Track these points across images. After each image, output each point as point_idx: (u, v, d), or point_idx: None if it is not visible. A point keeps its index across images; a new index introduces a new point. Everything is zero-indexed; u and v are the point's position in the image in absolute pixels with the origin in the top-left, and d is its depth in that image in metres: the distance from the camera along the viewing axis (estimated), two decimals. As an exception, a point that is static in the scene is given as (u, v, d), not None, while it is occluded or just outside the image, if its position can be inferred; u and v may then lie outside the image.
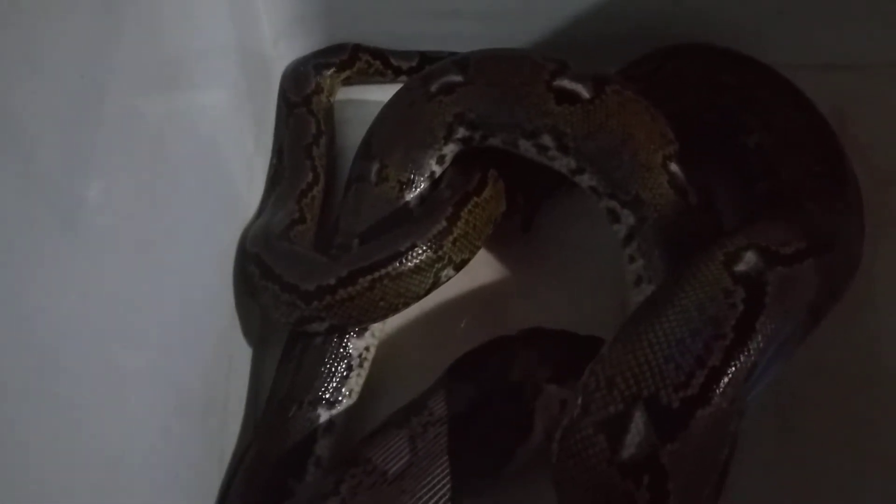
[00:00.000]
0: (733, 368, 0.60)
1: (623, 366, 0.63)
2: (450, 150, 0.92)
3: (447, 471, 0.74)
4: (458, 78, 0.89)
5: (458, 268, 0.87)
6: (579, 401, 0.64)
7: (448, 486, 0.73)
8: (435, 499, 0.73)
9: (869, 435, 0.84)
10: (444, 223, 0.85)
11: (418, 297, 0.85)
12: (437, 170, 0.92)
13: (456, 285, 0.92)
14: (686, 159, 0.82)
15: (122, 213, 0.63)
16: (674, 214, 0.81)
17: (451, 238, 0.85)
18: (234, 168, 0.90)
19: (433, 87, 0.89)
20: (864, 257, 0.81)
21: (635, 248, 0.83)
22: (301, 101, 1.02)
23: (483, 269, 0.95)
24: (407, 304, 0.85)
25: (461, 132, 0.90)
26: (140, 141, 0.67)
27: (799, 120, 0.88)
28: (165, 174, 0.71)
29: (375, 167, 0.91)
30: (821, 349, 0.83)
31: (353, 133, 0.98)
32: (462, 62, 0.90)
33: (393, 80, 1.08)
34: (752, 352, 0.62)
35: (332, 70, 1.06)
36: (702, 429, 0.59)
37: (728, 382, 0.60)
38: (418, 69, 1.06)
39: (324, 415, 0.84)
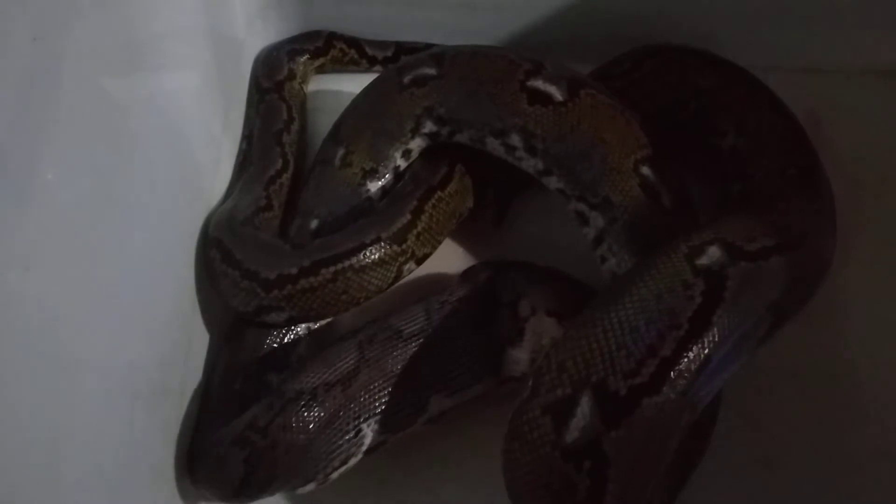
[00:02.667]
0: (685, 360, 0.61)
1: (575, 350, 0.63)
2: (416, 144, 0.93)
3: (454, 345, 0.81)
4: (431, 71, 0.90)
5: (419, 262, 0.88)
6: (530, 383, 0.65)
7: (455, 358, 0.81)
8: (442, 366, 0.81)
9: (835, 436, 0.85)
10: (408, 216, 0.86)
11: (380, 291, 0.86)
12: (402, 164, 0.94)
13: (426, 278, 0.93)
14: (660, 162, 0.83)
15: (80, 189, 0.64)
16: (645, 216, 0.82)
17: (414, 231, 0.86)
18: (200, 151, 0.91)
19: (406, 79, 0.90)
20: (835, 261, 0.82)
21: (606, 248, 0.84)
22: (273, 87, 1.03)
23: (455, 263, 0.96)
24: (368, 298, 0.85)
25: (428, 126, 0.91)
26: (102, 118, 0.68)
27: (772, 123, 0.90)
28: (127, 153, 0.72)
29: (340, 152, 0.93)
30: (790, 351, 0.87)
31: (325, 122, 0.99)
32: (438, 56, 0.91)
33: (367, 70, 1.09)
34: (706, 345, 0.62)
35: (305, 57, 1.07)
36: (648, 418, 0.60)
37: (679, 373, 0.61)
38: (393, 59, 1.08)
39: (275, 380, 0.85)
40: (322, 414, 0.75)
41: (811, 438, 0.85)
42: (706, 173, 0.92)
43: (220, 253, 0.85)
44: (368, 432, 0.78)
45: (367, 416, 0.77)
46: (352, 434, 0.77)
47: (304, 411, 0.75)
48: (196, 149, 0.90)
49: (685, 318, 0.63)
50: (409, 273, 0.88)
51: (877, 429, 0.86)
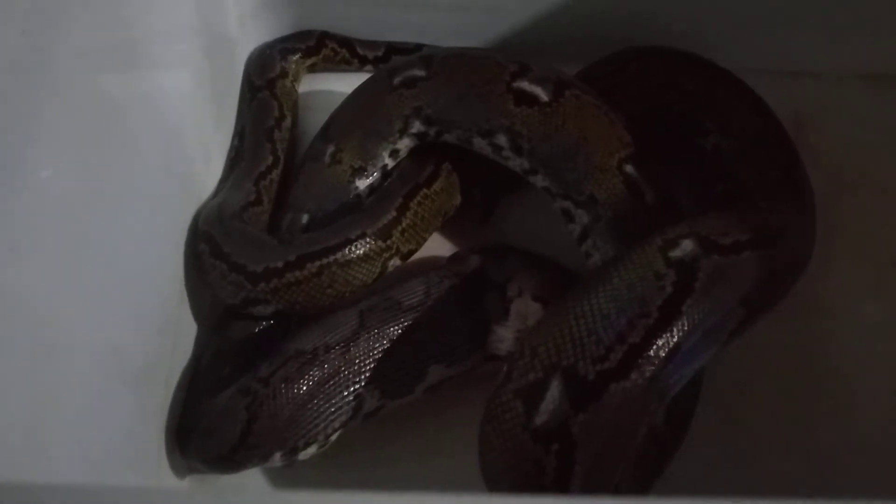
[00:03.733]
0: (653, 347, 0.64)
1: (548, 336, 0.66)
2: (404, 144, 0.95)
3: (452, 319, 0.85)
4: (421, 73, 0.92)
5: (404, 258, 0.91)
6: (505, 369, 0.68)
7: (453, 331, 0.85)
8: (440, 337, 0.84)
9: (814, 433, 0.87)
10: (393, 213, 0.89)
11: (365, 286, 0.88)
12: (390, 163, 0.96)
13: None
14: (644, 161, 0.86)
15: (70, 181, 0.66)
16: (629, 214, 0.84)
17: (399, 228, 0.89)
18: (192, 147, 0.93)
19: (396, 80, 0.93)
20: (816, 261, 0.85)
21: (591, 244, 0.87)
22: (265, 85, 1.05)
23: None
24: (353, 293, 0.87)
25: (416, 127, 0.93)
26: (93, 113, 0.71)
27: (755, 124, 0.92)
28: (119, 148, 0.75)
29: (330, 149, 0.95)
30: (770, 348, 0.89)
31: (316, 120, 1.02)
32: (427, 58, 0.93)
33: (359, 69, 1.12)
34: (674, 333, 0.65)
35: (297, 56, 1.10)
36: (615, 402, 0.62)
37: (646, 360, 0.63)
38: (384, 59, 1.10)
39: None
40: (321, 373, 0.79)
41: (790, 435, 0.87)
42: (691, 173, 0.94)
43: (209, 246, 0.87)
44: (367, 396, 0.81)
45: (365, 380, 0.80)
46: (350, 397, 0.80)
47: (305, 367, 0.79)
48: (188, 144, 0.92)
49: (655, 307, 0.66)
50: (394, 268, 0.90)
51: (856, 425, 0.88)
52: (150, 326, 0.82)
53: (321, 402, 0.79)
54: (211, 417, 0.80)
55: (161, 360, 0.84)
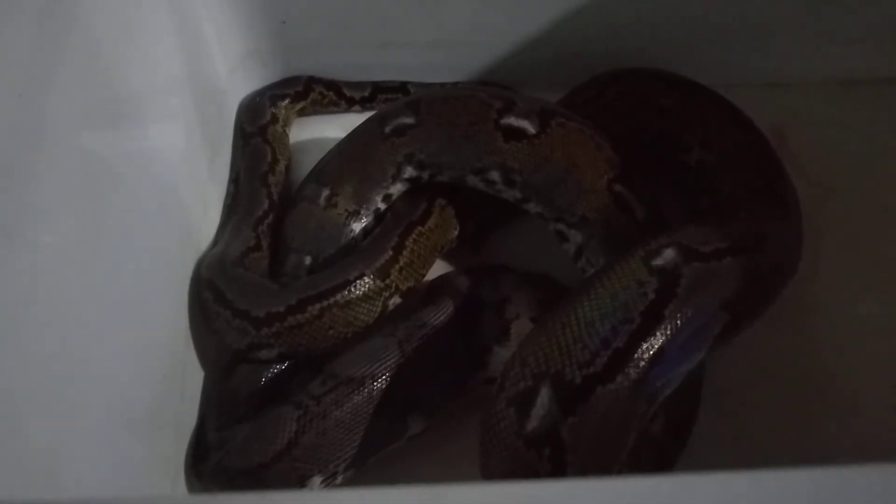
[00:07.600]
0: (637, 350, 0.70)
1: (536, 346, 0.72)
2: (397, 189, 1.02)
3: (480, 328, 0.92)
4: (410, 120, 0.99)
5: (403, 296, 0.97)
6: (499, 380, 0.74)
7: (482, 335, 0.92)
8: (476, 344, 0.92)
9: (815, 436, 0.92)
10: (389, 252, 0.95)
11: (367, 325, 0.94)
12: (383, 206, 1.03)
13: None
14: (632, 179, 0.92)
15: (69, 236, 0.71)
16: (620, 230, 0.90)
17: (397, 267, 0.95)
18: (188, 196, 0.99)
19: (387, 129, 1.00)
20: (805, 265, 0.90)
21: (585, 261, 0.93)
22: (257, 132, 1.13)
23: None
24: (356, 333, 0.93)
25: (409, 172, 1.00)
26: (89, 169, 0.76)
27: (736, 136, 0.98)
28: (116, 202, 0.80)
29: (325, 193, 1.02)
30: (767, 353, 0.94)
31: (308, 162, 1.09)
32: (415, 104, 1.00)
33: (346, 110, 1.19)
34: (658, 336, 0.71)
35: (286, 101, 1.17)
36: (603, 405, 0.68)
37: (631, 363, 0.69)
38: (371, 99, 1.18)
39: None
40: (369, 400, 0.86)
41: (791, 437, 0.92)
42: (678, 188, 1.01)
43: (212, 294, 0.94)
44: (411, 422, 0.88)
45: (410, 405, 0.87)
46: (396, 422, 0.87)
47: (354, 394, 0.85)
48: (184, 194, 0.98)
49: (637, 313, 0.72)
50: (395, 307, 0.96)
51: (856, 427, 0.93)
52: (157, 374, 0.87)
53: (366, 428, 0.85)
54: (252, 429, 0.85)
55: (169, 407, 0.88)
